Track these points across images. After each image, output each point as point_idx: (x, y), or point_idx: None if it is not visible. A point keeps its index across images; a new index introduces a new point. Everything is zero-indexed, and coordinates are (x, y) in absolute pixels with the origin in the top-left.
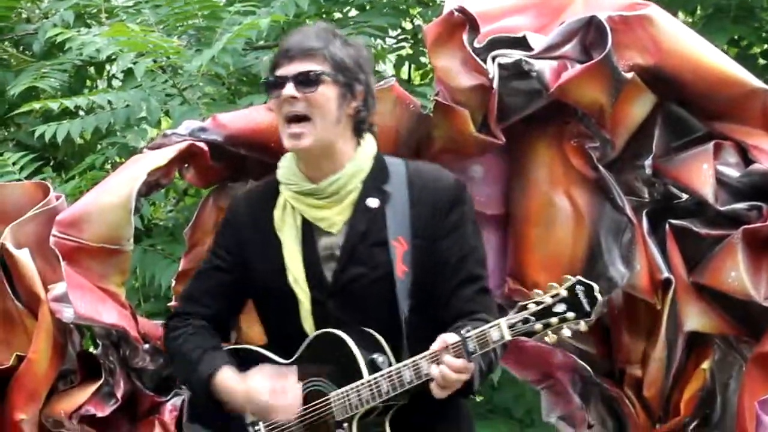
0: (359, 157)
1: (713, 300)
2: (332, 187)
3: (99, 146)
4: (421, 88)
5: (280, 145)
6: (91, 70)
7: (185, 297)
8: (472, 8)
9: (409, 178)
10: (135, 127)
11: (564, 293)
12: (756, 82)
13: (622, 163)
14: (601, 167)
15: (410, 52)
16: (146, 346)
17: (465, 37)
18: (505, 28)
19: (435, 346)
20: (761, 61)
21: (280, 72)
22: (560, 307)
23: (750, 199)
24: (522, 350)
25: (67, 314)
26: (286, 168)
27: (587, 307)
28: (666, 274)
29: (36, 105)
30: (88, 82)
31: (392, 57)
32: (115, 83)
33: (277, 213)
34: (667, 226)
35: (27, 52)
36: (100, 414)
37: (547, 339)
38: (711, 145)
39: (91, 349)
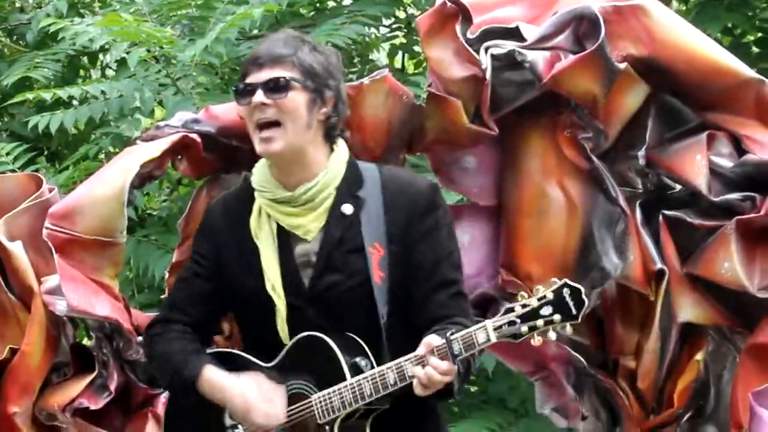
0: (332, 164)
1: (707, 291)
2: (307, 194)
3: (93, 136)
4: (415, 77)
5: None
6: (85, 60)
7: (167, 305)
8: None
9: (383, 183)
10: (129, 117)
11: (550, 296)
12: (749, 72)
13: (616, 153)
14: (594, 158)
15: (404, 41)
16: (139, 338)
17: (458, 27)
18: (498, 19)
19: (420, 350)
20: (755, 50)
21: (249, 79)
22: (546, 310)
23: (743, 190)
24: None
25: (60, 307)
26: (259, 175)
27: (573, 310)
28: (659, 265)
29: (29, 95)
30: (82, 72)
31: (386, 46)
32: (109, 73)
33: (253, 220)
34: (660, 216)
35: (20, 42)
36: (93, 407)
37: (533, 341)
38: (704, 135)
39: (85, 341)
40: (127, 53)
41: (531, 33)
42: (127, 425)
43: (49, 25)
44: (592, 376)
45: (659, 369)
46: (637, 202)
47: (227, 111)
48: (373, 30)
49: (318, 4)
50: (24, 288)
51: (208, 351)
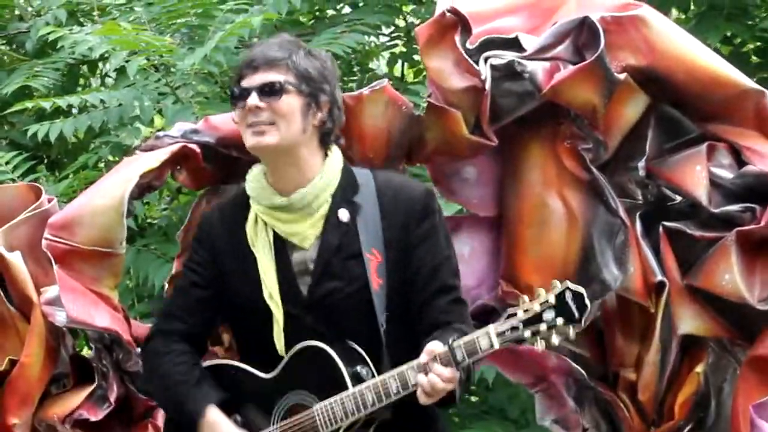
0: (327, 170)
1: (707, 303)
2: (302, 201)
3: (92, 145)
4: (415, 86)
5: None
6: (84, 68)
7: (164, 314)
8: (464, 9)
9: (378, 188)
10: (128, 125)
11: (552, 300)
12: (749, 83)
13: (616, 164)
14: (594, 169)
15: (403, 49)
16: (139, 349)
17: (457, 38)
18: (498, 29)
19: (423, 357)
20: (754, 59)
21: (244, 83)
22: (549, 314)
23: (743, 201)
24: (516, 353)
25: (59, 318)
26: (254, 182)
27: (576, 314)
28: (660, 277)
29: (29, 104)
30: (81, 81)
31: (385, 55)
32: (108, 82)
33: (249, 228)
34: (660, 228)
35: (20, 50)
36: (93, 418)
37: (536, 346)
38: (704, 146)
39: (85, 352)
40: (127, 62)
41: (530, 43)
42: None
43: (49, 33)
44: (593, 388)
45: (660, 381)
46: (637, 214)
47: (226, 121)
48: (372, 39)
49: (317, 13)
50: (23, 299)
51: (207, 363)
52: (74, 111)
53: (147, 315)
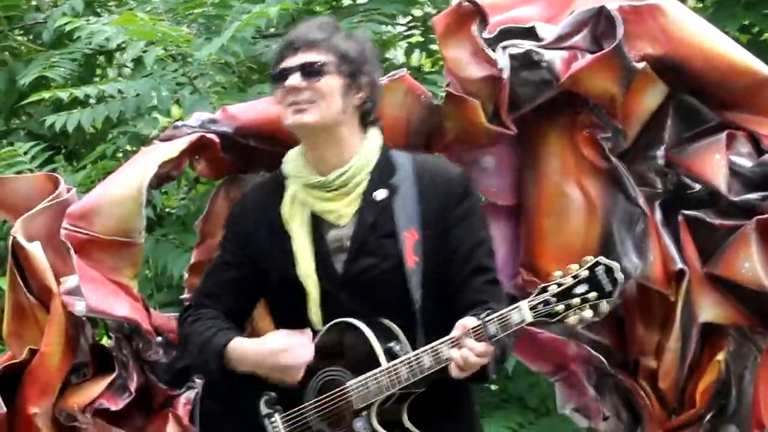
0: (366, 150)
1: (727, 291)
2: (340, 179)
3: (110, 135)
4: (432, 75)
5: (289, 136)
6: (101, 59)
7: (198, 294)
8: None
9: (416, 170)
10: (146, 115)
11: (585, 273)
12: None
13: (634, 153)
14: (613, 157)
15: (420, 39)
16: (159, 339)
17: (474, 27)
18: (515, 19)
19: (455, 331)
20: None
21: (284, 64)
22: (581, 288)
23: (763, 189)
24: (536, 342)
25: (79, 307)
26: (293, 162)
27: (609, 287)
28: (680, 265)
29: (46, 94)
30: (98, 71)
31: (402, 44)
32: (125, 72)
33: (284, 207)
34: (680, 216)
35: (37, 41)
36: (113, 408)
37: (569, 321)
38: (723, 135)
39: (104, 341)
40: (144, 52)
41: (548, 33)
42: (147, 426)
43: (66, 24)
44: (613, 376)
45: (680, 369)
46: (657, 202)
47: (245, 111)
48: (389, 28)
49: (334, 3)
50: (43, 289)
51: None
52: (92, 101)
53: (166, 305)
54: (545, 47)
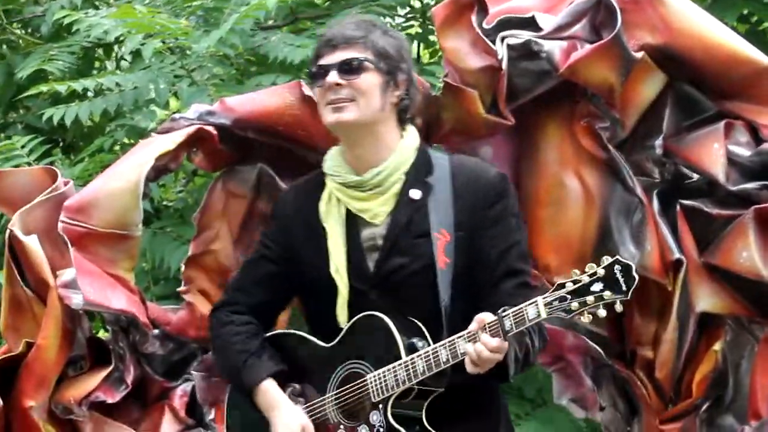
0: (402, 149)
1: (725, 280)
2: (376, 179)
3: (108, 128)
4: (431, 66)
5: (287, 128)
6: (99, 51)
7: (232, 286)
8: None
9: (452, 171)
10: (144, 108)
11: (602, 272)
12: (766, 61)
13: (633, 143)
14: (611, 147)
15: (419, 30)
16: (156, 331)
17: (473, 18)
18: (514, 9)
19: (472, 325)
20: None
21: (323, 61)
22: (597, 286)
23: (761, 179)
24: None
25: (76, 300)
26: (332, 161)
27: (624, 286)
28: (677, 255)
29: (44, 87)
30: (97, 64)
31: None
32: (123, 65)
33: (322, 204)
34: (677, 206)
35: (35, 34)
36: (110, 400)
37: (583, 318)
38: (722, 124)
39: (101, 334)
40: (142, 45)
41: (547, 22)
42: (143, 418)
43: (64, 17)
44: (610, 366)
45: (677, 359)
46: (655, 192)
47: (243, 103)
48: (388, 20)
49: None
50: (40, 282)
51: (269, 334)
52: (90, 94)
53: (163, 297)
54: (544, 37)
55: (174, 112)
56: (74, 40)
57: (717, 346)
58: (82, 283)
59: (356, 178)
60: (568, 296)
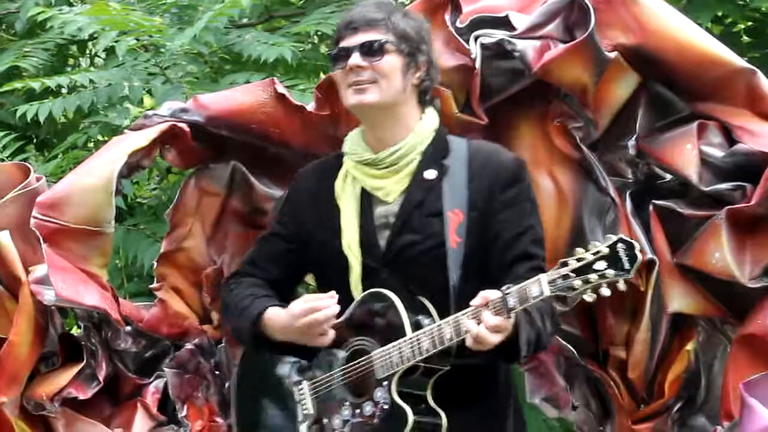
0: (420, 129)
1: (697, 281)
2: (391, 157)
3: (81, 125)
4: None
5: (261, 126)
6: (74, 48)
7: (246, 261)
8: None
9: (470, 153)
10: (117, 105)
11: (605, 251)
12: (740, 62)
13: (606, 143)
14: (584, 147)
15: None
16: (128, 328)
17: (447, 16)
18: (488, 8)
19: (476, 301)
20: (745, 39)
21: (344, 43)
22: (600, 264)
23: (734, 180)
24: None
25: (48, 296)
26: (351, 140)
27: (627, 265)
28: (650, 255)
29: (18, 84)
30: (71, 61)
31: None
32: (98, 62)
33: (338, 182)
34: (650, 206)
35: (9, 30)
36: (81, 396)
37: (586, 297)
38: (695, 125)
39: (74, 331)
40: (116, 42)
41: (521, 22)
42: (115, 415)
43: (38, 14)
44: (583, 366)
45: (650, 359)
46: (628, 192)
47: (216, 100)
48: None
49: None
50: (12, 278)
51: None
52: (63, 91)
53: (136, 294)
54: (518, 36)
55: (148, 110)
56: (48, 37)
57: (689, 347)
58: (55, 279)
59: (372, 156)
60: (572, 274)
